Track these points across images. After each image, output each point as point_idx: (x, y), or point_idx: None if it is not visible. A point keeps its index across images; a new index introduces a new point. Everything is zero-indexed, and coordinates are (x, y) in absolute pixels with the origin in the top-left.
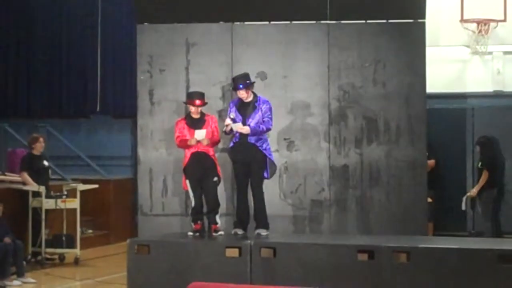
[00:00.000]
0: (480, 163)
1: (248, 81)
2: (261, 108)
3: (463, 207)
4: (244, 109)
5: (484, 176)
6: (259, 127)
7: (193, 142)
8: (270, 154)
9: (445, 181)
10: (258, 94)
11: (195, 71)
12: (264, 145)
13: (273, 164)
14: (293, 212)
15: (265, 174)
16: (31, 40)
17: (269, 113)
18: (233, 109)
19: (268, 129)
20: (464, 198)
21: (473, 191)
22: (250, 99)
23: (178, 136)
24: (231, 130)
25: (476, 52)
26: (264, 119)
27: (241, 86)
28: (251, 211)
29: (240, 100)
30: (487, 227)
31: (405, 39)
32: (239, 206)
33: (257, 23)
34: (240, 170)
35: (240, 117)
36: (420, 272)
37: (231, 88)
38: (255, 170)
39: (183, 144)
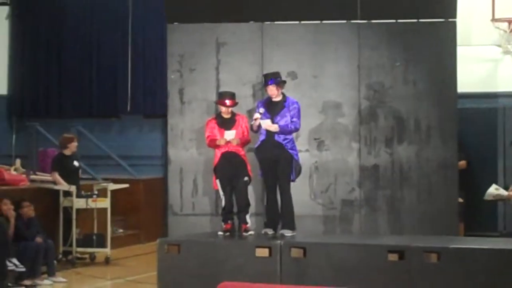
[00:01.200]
0: None
1: (279, 78)
2: (290, 108)
3: (487, 196)
4: (272, 108)
5: None
6: (288, 126)
7: (222, 142)
8: (296, 155)
9: (476, 181)
10: (289, 94)
11: (225, 70)
12: (290, 145)
13: (298, 165)
14: (323, 212)
15: (292, 176)
16: (61, 41)
17: (298, 113)
18: (261, 107)
19: (296, 129)
20: (492, 188)
21: None
22: (279, 98)
23: (208, 136)
24: (259, 127)
25: (507, 51)
26: (293, 119)
27: (271, 81)
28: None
29: (268, 99)
30: None
31: (436, 38)
32: (269, 206)
33: (287, 22)
34: (269, 170)
35: (268, 115)
36: (451, 272)
37: (262, 85)
38: (283, 169)
39: (213, 144)
